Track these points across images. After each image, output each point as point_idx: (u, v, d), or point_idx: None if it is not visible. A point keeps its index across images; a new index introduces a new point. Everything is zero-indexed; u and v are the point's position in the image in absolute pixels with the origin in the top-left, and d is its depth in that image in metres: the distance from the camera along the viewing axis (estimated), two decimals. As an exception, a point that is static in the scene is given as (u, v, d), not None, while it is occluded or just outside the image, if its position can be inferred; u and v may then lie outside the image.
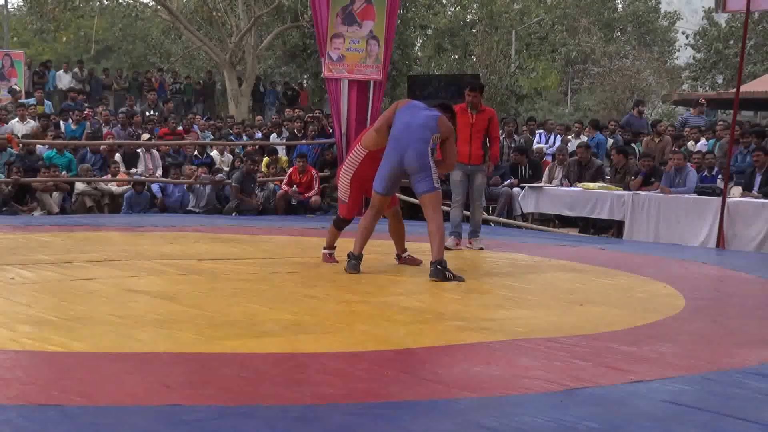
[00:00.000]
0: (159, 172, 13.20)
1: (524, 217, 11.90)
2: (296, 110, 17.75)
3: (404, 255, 7.11)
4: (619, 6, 36.15)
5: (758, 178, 10.21)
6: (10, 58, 18.08)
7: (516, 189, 12.11)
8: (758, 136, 11.60)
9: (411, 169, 6.42)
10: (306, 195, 12.51)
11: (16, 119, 13.96)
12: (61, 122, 14.54)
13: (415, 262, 7.04)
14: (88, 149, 13.09)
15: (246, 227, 10.19)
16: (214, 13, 24.34)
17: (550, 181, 12.07)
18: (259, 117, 19.55)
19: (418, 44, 33.13)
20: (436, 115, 6.56)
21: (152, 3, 25.94)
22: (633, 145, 13.34)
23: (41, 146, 12.96)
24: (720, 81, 32.30)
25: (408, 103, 6.82)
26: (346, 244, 6.80)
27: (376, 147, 6.66)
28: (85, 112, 15.37)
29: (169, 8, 23.30)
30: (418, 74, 25.55)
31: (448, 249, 7.94)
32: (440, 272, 6.21)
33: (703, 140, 13.20)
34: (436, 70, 30.99)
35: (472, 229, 8.65)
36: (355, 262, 6.51)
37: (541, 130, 15.22)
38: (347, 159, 6.94)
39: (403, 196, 10.22)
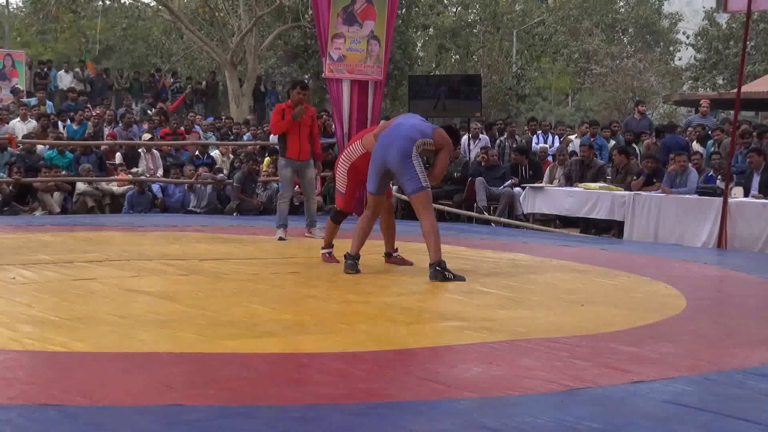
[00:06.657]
0: (160, 172, 13.19)
1: (525, 217, 11.88)
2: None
3: (394, 254, 7.07)
4: (621, 8, 36.14)
5: (756, 179, 10.18)
6: (12, 58, 18.09)
7: (517, 189, 12.10)
8: (759, 136, 11.59)
9: (394, 168, 6.34)
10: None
11: (17, 119, 13.96)
12: (60, 123, 14.50)
13: (405, 262, 6.98)
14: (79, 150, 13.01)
15: (247, 227, 10.19)
16: (216, 14, 24.32)
17: (550, 181, 12.07)
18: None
19: (420, 44, 33.11)
20: (434, 126, 6.58)
21: (153, 3, 25.94)
22: (634, 145, 13.32)
23: (42, 146, 12.96)
24: (720, 81, 32.23)
25: (410, 113, 6.91)
26: (345, 245, 6.80)
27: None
28: (96, 111, 15.34)
29: (171, 8, 23.30)
30: (420, 74, 25.54)
31: (282, 240, 8.68)
32: (440, 273, 6.17)
33: (703, 140, 13.18)
34: (437, 71, 30.98)
35: (309, 220, 9.17)
36: (352, 262, 6.48)
37: (540, 131, 15.23)
38: (345, 151, 7.01)
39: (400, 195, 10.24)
